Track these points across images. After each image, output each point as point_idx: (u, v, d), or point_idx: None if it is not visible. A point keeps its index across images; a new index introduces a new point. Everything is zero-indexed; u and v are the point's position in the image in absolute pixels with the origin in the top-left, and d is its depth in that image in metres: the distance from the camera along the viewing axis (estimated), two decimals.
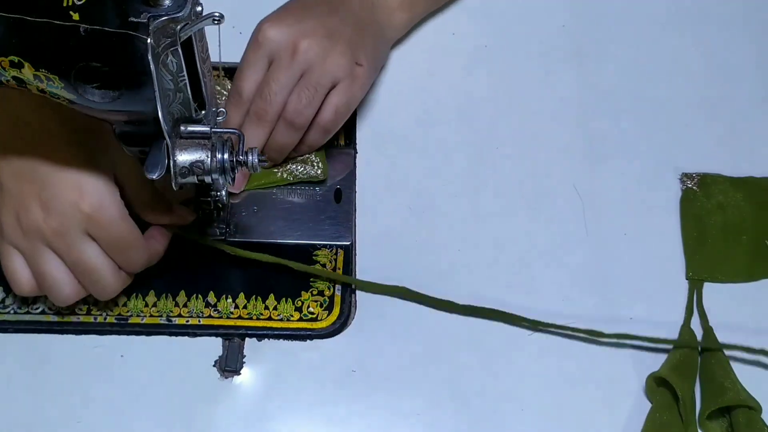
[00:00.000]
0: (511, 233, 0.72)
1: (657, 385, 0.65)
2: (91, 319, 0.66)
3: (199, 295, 0.68)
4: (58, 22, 0.47)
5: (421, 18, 0.79)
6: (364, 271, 0.69)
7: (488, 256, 0.70)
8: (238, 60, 0.72)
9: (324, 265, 0.69)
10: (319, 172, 0.72)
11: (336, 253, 0.70)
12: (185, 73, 0.52)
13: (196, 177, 0.56)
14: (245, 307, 0.67)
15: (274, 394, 0.65)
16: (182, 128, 0.55)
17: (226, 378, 0.65)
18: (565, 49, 0.81)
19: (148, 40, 0.48)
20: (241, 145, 0.57)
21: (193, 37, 0.52)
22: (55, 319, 0.66)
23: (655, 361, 0.66)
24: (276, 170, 0.72)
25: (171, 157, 0.54)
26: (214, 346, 0.66)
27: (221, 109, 0.59)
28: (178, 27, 0.49)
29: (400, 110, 0.77)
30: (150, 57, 0.48)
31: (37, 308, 0.67)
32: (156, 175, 0.53)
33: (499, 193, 0.74)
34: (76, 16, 0.47)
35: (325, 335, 0.67)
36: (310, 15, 0.69)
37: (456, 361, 0.66)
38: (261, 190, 0.72)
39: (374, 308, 0.68)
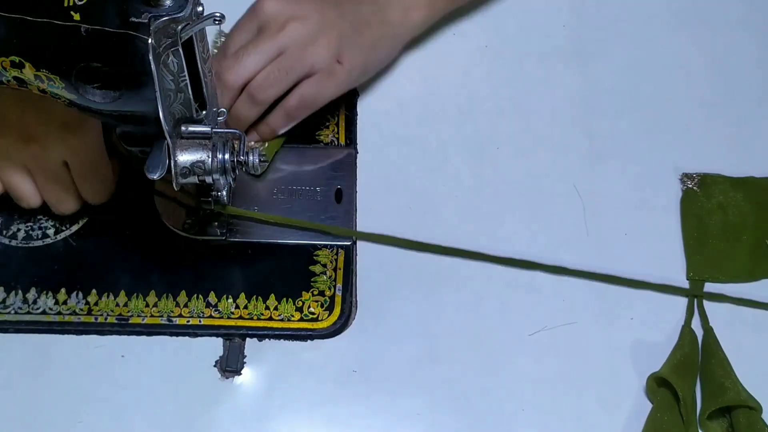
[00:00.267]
0: (511, 233, 0.72)
1: (658, 385, 0.65)
2: (92, 319, 0.66)
3: (200, 296, 0.68)
4: (59, 23, 0.48)
5: (441, 16, 0.78)
6: (364, 271, 0.70)
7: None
8: None
9: (325, 266, 0.69)
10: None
11: (336, 253, 0.70)
12: (186, 73, 0.52)
13: (197, 177, 0.56)
14: (246, 307, 0.67)
15: (274, 395, 0.65)
16: (183, 128, 0.55)
17: (227, 378, 0.65)
18: (566, 49, 0.81)
19: (149, 41, 0.48)
20: (241, 146, 0.58)
21: (194, 38, 0.52)
22: (56, 319, 0.66)
23: (656, 361, 0.66)
24: None
25: (172, 158, 0.54)
26: (214, 347, 0.66)
27: (222, 109, 0.59)
28: (179, 27, 0.49)
29: (400, 110, 0.77)
30: (151, 57, 0.48)
31: (37, 308, 0.67)
32: (157, 175, 0.53)
33: (499, 193, 0.74)
34: (77, 16, 0.48)
35: (326, 335, 0.67)
36: (313, 0, 0.69)
37: (456, 361, 0.66)
38: (262, 191, 0.72)
39: (375, 308, 0.68)
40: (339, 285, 0.68)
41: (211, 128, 0.55)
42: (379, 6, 0.72)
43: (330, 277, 0.69)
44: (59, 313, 0.66)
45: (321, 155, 0.74)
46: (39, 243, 0.69)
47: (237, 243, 0.70)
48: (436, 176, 0.74)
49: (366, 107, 0.77)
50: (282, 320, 0.67)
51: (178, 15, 0.49)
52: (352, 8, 0.70)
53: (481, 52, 0.80)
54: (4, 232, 0.70)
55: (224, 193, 0.67)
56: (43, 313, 0.66)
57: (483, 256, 0.70)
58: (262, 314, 0.67)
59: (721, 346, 0.66)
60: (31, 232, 0.70)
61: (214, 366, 0.66)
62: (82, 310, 0.67)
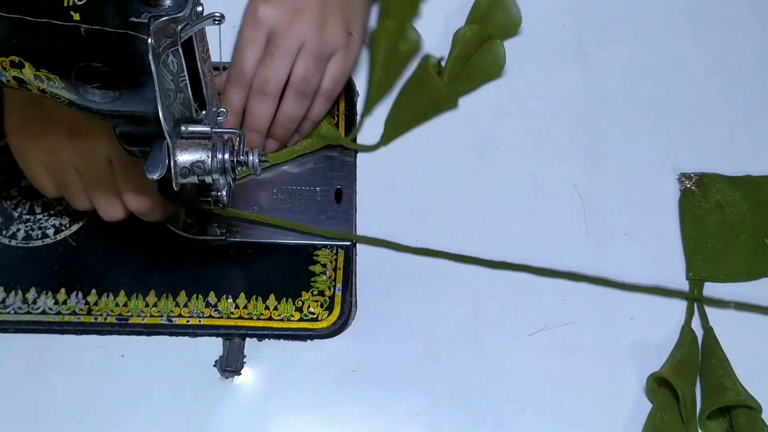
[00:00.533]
0: (511, 233, 0.72)
1: (658, 385, 0.65)
2: (92, 319, 0.66)
3: (200, 295, 0.68)
4: (58, 22, 0.47)
5: None
6: (364, 270, 0.70)
7: (488, 257, 0.70)
8: None
9: (324, 266, 0.69)
10: (333, 128, 0.74)
11: (336, 253, 0.70)
12: (186, 73, 0.52)
13: (196, 177, 0.56)
14: (246, 307, 0.67)
15: (274, 395, 0.65)
16: (183, 128, 0.55)
17: (227, 378, 0.65)
18: (566, 49, 0.81)
19: (149, 40, 0.48)
20: (241, 145, 0.58)
21: (194, 37, 0.52)
22: (56, 319, 0.66)
23: (656, 361, 0.66)
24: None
25: (171, 157, 0.54)
26: (214, 346, 0.66)
27: (222, 109, 0.59)
28: (179, 27, 0.49)
29: None
30: (150, 57, 0.48)
31: (37, 308, 0.67)
32: (156, 175, 0.52)
33: (499, 193, 0.74)
34: (76, 16, 0.47)
35: (326, 335, 0.67)
36: None
37: (456, 360, 0.66)
38: (262, 191, 0.72)
39: (375, 308, 0.68)
40: (339, 285, 0.68)
41: (211, 128, 0.55)
42: None
43: (330, 277, 0.69)
44: (59, 313, 0.66)
45: (321, 155, 0.74)
46: (39, 243, 0.69)
47: (237, 243, 0.70)
48: (436, 176, 0.74)
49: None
50: (282, 320, 0.67)
51: (178, 15, 0.48)
52: None
53: None
54: (4, 232, 0.70)
55: (224, 193, 0.67)
56: (43, 313, 0.66)
57: (482, 261, 0.70)
58: (262, 314, 0.67)
59: (721, 346, 0.66)
60: (30, 232, 0.70)
61: (214, 366, 0.66)
62: (81, 310, 0.67)
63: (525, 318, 0.68)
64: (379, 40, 0.76)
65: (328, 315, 0.67)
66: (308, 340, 0.67)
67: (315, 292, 0.68)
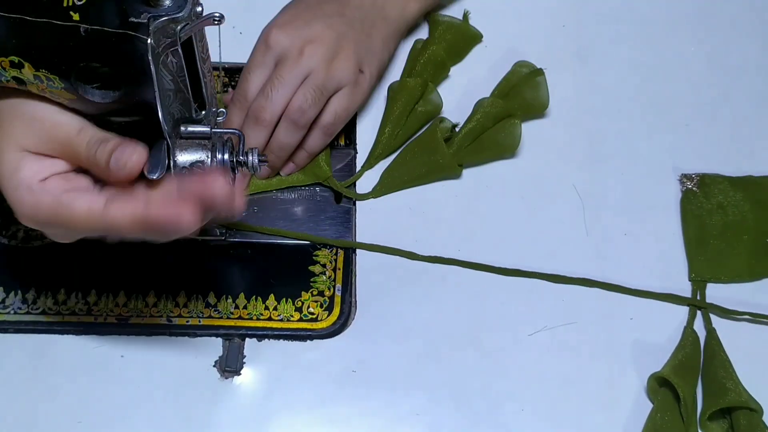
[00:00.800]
0: (511, 233, 0.72)
1: (659, 385, 0.65)
2: (92, 320, 0.66)
3: (200, 296, 0.68)
4: (58, 23, 0.47)
5: (433, 6, 0.80)
6: (364, 271, 0.69)
7: (488, 257, 0.70)
8: (238, 60, 0.72)
9: (324, 266, 0.69)
10: (328, 168, 0.72)
11: (336, 254, 0.70)
12: (185, 73, 0.52)
13: None
14: (245, 307, 0.67)
15: (274, 395, 0.65)
16: (182, 128, 0.55)
17: (227, 378, 0.65)
18: (565, 49, 0.81)
19: (148, 41, 0.48)
20: (241, 146, 0.58)
21: (194, 38, 0.52)
22: (56, 319, 0.66)
23: (656, 361, 0.66)
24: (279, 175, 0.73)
25: (171, 158, 0.54)
26: (214, 347, 0.66)
27: (221, 109, 0.59)
28: (178, 27, 0.49)
29: None
30: (150, 57, 0.48)
31: (37, 308, 0.67)
32: (156, 175, 0.52)
33: (499, 193, 0.74)
34: (76, 17, 0.47)
35: (326, 335, 0.67)
36: (318, 17, 0.70)
37: (456, 361, 0.66)
38: (262, 193, 0.72)
39: (374, 308, 0.68)
40: (338, 285, 0.68)
41: (211, 128, 0.55)
42: (378, 6, 0.73)
43: (329, 277, 0.69)
44: (59, 313, 0.66)
45: None
46: (39, 243, 0.69)
47: (236, 243, 0.70)
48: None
49: (366, 108, 0.76)
50: (281, 320, 0.67)
51: (178, 15, 0.49)
52: (357, 14, 0.71)
53: (481, 51, 0.80)
54: (4, 232, 0.70)
55: None
56: (43, 313, 0.66)
57: (482, 267, 0.69)
58: (262, 314, 0.67)
59: (724, 347, 0.66)
60: (30, 232, 0.70)
61: (214, 366, 0.66)
62: (81, 310, 0.67)
63: (525, 318, 0.68)
64: (397, 97, 0.74)
65: (328, 315, 0.67)
66: (308, 341, 0.67)
67: (315, 293, 0.68)
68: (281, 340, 0.67)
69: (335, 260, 0.70)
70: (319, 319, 0.67)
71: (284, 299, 0.68)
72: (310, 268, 0.69)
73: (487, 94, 0.76)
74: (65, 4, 0.47)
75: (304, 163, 0.72)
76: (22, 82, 0.51)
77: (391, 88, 0.75)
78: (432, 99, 0.75)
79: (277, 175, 0.72)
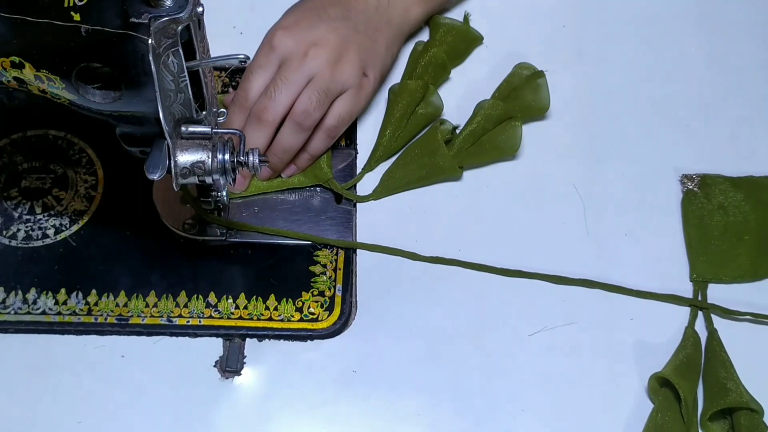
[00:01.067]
0: (511, 233, 0.72)
1: (660, 385, 0.65)
2: (92, 320, 0.66)
3: (200, 296, 0.68)
4: (59, 23, 0.47)
5: (436, 10, 0.80)
6: (364, 271, 0.69)
7: (489, 257, 0.70)
8: None
9: (325, 266, 0.69)
10: (329, 169, 0.72)
11: (336, 254, 0.70)
12: (186, 73, 0.52)
13: (196, 177, 0.56)
14: (246, 307, 0.67)
15: (274, 395, 0.65)
16: (183, 129, 0.55)
17: (227, 378, 0.65)
18: (566, 49, 0.81)
19: (149, 41, 0.48)
20: (242, 146, 0.58)
21: (194, 38, 0.52)
22: (56, 319, 0.66)
23: (657, 361, 0.66)
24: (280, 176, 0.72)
25: (172, 158, 0.54)
26: (214, 347, 0.66)
27: (222, 110, 0.59)
28: (179, 27, 0.49)
29: None
30: (151, 57, 0.48)
31: (37, 309, 0.67)
32: (157, 175, 0.53)
33: (499, 193, 0.74)
34: (77, 17, 0.47)
35: (326, 336, 0.67)
36: (323, 20, 0.70)
37: (457, 361, 0.66)
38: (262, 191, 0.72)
39: (375, 308, 0.68)
40: (339, 285, 0.68)
41: (211, 128, 0.55)
42: (383, 9, 0.73)
43: (330, 277, 0.69)
44: (59, 313, 0.66)
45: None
46: (39, 243, 0.69)
47: (237, 243, 0.70)
48: None
49: (367, 109, 0.76)
50: (282, 320, 0.67)
51: (179, 15, 0.49)
52: (361, 18, 0.71)
53: (481, 51, 0.80)
54: (4, 232, 0.70)
55: (224, 193, 0.67)
56: (43, 313, 0.66)
57: (483, 267, 0.69)
58: (262, 314, 0.67)
59: (725, 347, 0.66)
60: (31, 233, 0.70)
61: (214, 366, 0.66)
62: (82, 310, 0.67)
63: (525, 318, 0.68)
64: (397, 99, 0.74)
65: (329, 315, 0.67)
66: (308, 341, 0.67)
67: (315, 293, 0.68)
68: (282, 341, 0.67)
69: (336, 260, 0.70)
70: (319, 319, 0.67)
71: (285, 299, 0.68)
72: (310, 268, 0.69)
73: (488, 96, 0.76)
74: (66, 5, 0.47)
75: (306, 165, 0.72)
76: (23, 83, 0.51)
77: (392, 91, 0.75)
78: (433, 101, 0.75)
79: (278, 176, 0.72)
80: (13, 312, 0.66)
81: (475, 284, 0.69)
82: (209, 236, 0.70)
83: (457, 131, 0.74)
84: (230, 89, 0.76)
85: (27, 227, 0.70)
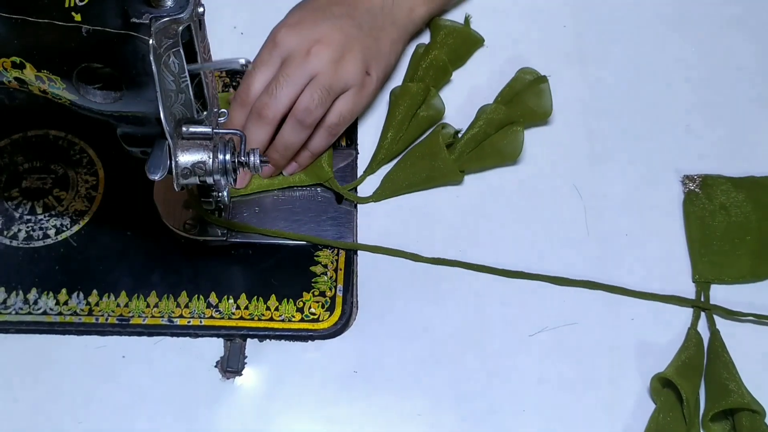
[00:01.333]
0: (512, 233, 0.72)
1: (662, 386, 0.65)
2: (93, 320, 0.66)
3: (201, 296, 0.68)
4: (60, 23, 0.47)
5: (440, 10, 0.80)
6: (365, 271, 0.69)
7: (489, 258, 0.70)
8: None
9: (325, 266, 0.69)
10: (330, 169, 0.72)
11: (337, 254, 0.70)
12: (187, 73, 0.52)
13: (197, 178, 0.56)
14: (247, 307, 0.67)
15: (275, 395, 0.65)
16: (184, 129, 0.55)
17: (228, 379, 0.65)
18: (566, 50, 0.81)
19: (150, 41, 0.48)
20: (242, 146, 0.58)
21: (195, 38, 0.52)
22: (57, 320, 0.66)
23: (657, 362, 0.66)
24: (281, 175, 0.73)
25: (173, 158, 0.54)
26: (215, 347, 0.66)
27: (223, 110, 0.59)
28: (180, 28, 0.49)
29: None
30: (152, 58, 0.48)
31: (38, 309, 0.67)
32: (158, 176, 0.53)
33: (499, 193, 0.74)
34: (78, 17, 0.47)
35: (327, 336, 0.67)
36: (327, 18, 0.70)
37: (458, 361, 0.66)
38: (263, 192, 0.72)
39: (376, 309, 0.68)
40: (340, 285, 0.68)
41: (212, 129, 0.55)
42: (387, 9, 0.73)
43: (331, 277, 0.69)
44: (60, 313, 0.66)
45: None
46: (40, 243, 0.69)
47: (238, 243, 0.70)
48: None
49: (368, 111, 0.76)
50: (283, 321, 0.67)
51: (179, 16, 0.49)
52: (366, 17, 0.71)
53: (482, 52, 0.80)
54: (5, 232, 0.70)
55: (225, 194, 0.67)
56: (44, 313, 0.66)
57: (486, 269, 0.69)
58: (263, 315, 0.67)
59: (727, 348, 0.66)
60: (32, 233, 0.70)
61: (215, 367, 0.66)
62: (83, 310, 0.67)
63: (526, 319, 0.68)
64: (399, 102, 0.73)
65: (329, 316, 0.67)
66: (309, 341, 0.67)
67: (316, 293, 0.68)
68: (282, 341, 0.67)
69: (336, 261, 0.69)
70: (320, 319, 0.67)
71: (285, 300, 0.68)
72: (311, 268, 0.69)
73: (490, 98, 0.76)
74: (67, 5, 0.47)
75: (307, 163, 0.72)
76: (24, 83, 0.51)
77: (393, 93, 0.75)
78: (434, 104, 0.75)
79: (279, 174, 0.72)
80: (14, 312, 0.66)
81: (476, 285, 0.69)
82: (210, 236, 0.70)
83: (459, 135, 0.74)
84: (231, 89, 0.76)
85: (28, 227, 0.70)
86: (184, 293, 0.68)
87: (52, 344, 0.66)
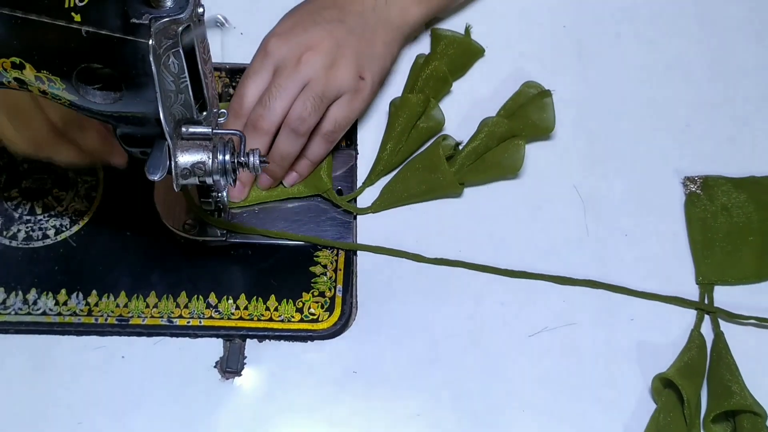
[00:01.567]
0: (512, 233, 0.72)
1: (663, 386, 0.65)
2: (92, 320, 0.66)
3: (200, 296, 0.68)
4: (60, 23, 0.47)
5: (436, 11, 0.78)
6: (365, 271, 0.69)
7: (488, 257, 0.70)
8: (240, 61, 0.72)
9: (325, 266, 0.69)
10: (329, 179, 0.72)
11: (337, 254, 0.70)
12: (187, 74, 0.52)
13: (197, 178, 0.56)
14: (246, 308, 0.67)
15: (275, 396, 0.65)
16: (183, 129, 0.55)
17: (227, 379, 0.65)
18: (566, 50, 0.81)
19: (150, 42, 0.48)
20: (242, 146, 0.58)
21: (195, 39, 0.52)
22: (56, 320, 0.66)
23: (657, 361, 0.66)
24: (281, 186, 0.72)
25: (172, 159, 0.54)
26: (215, 347, 0.66)
27: (222, 110, 0.59)
28: (180, 28, 0.49)
29: None
30: (151, 58, 0.48)
31: (38, 309, 0.66)
32: (157, 176, 0.53)
33: (499, 193, 0.73)
34: (77, 18, 0.47)
35: (326, 336, 0.67)
36: (318, 23, 0.69)
37: (456, 361, 0.66)
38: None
39: (375, 309, 0.68)
40: (339, 286, 0.68)
41: (212, 129, 0.55)
42: (380, 10, 0.73)
43: (330, 278, 0.69)
44: (59, 314, 0.66)
45: None
46: (39, 244, 0.69)
47: (237, 244, 0.70)
48: None
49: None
50: (282, 321, 0.67)
51: (179, 16, 0.48)
52: (358, 20, 0.71)
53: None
54: (5, 232, 0.70)
55: (224, 194, 0.67)
56: (44, 314, 0.66)
57: (489, 269, 0.69)
58: (263, 315, 0.67)
59: (731, 350, 0.66)
60: (31, 233, 0.70)
61: (215, 367, 0.66)
62: (82, 311, 0.67)
63: (525, 319, 0.68)
64: (398, 113, 0.73)
65: (329, 316, 0.67)
66: (309, 341, 0.67)
67: (315, 293, 0.68)
68: (282, 341, 0.67)
69: (336, 261, 0.69)
70: (319, 319, 0.67)
71: (285, 300, 0.68)
72: (311, 268, 0.69)
73: (491, 109, 0.76)
74: (67, 5, 0.47)
75: (307, 172, 0.71)
76: (24, 83, 0.51)
77: (393, 104, 0.75)
78: (434, 115, 0.74)
79: (278, 185, 0.72)
80: (13, 312, 0.66)
81: (476, 285, 0.69)
82: (209, 237, 0.70)
83: (460, 147, 0.73)
84: (231, 89, 0.76)
85: (27, 228, 0.70)
86: (183, 293, 0.68)
87: (51, 344, 0.66)
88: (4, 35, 0.49)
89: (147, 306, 0.67)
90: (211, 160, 0.55)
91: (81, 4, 0.47)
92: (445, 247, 0.71)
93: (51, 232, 0.70)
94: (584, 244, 0.71)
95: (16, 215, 0.70)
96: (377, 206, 0.72)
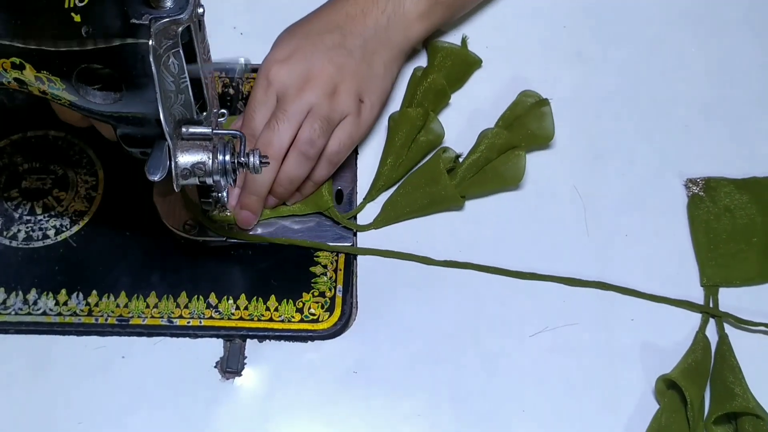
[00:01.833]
0: (512, 233, 0.72)
1: (666, 387, 0.65)
2: (93, 321, 0.66)
3: (201, 296, 0.68)
4: (59, 24, 0.47)
5: (437, 27, 0.78)
6: (365, 271, 0.69)
7: (488, 257, 0.70)
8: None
9: (325, 267, 0.69)
10: (330, 197, 0.71)
11: (337, 255, 0.70)
12: (187, 74, 0.52)
13: (197, 178, 0.56)
14: (246, 308, 0.67)
15: (275, 396, 0.65)
16: (183, 129, 0.55)
17: (227, 379, 0.65)
18: (566, 50, 0.81)
19: (150, 42, 0.48)
20: (242, 147, 0.58)
21: (195, 39, 0.52)
22: (57, 320, 0.66)
23: (658, 362, 0.66)
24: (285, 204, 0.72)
25: (172, 159, 0.54)
26: (215, 348, 0.66)
27: (222, 110, 0.59)
28: (180, 29, 0.49)
29: None
30: (151, 59, 0.48)
31: (38, 309, 0.67)
32: (158, 176, 0.53)
33: (500, 196, 0.73)
34: (77, 18, 0.47)
35: (326, 336, 0.67)
36: (319, 50, 0.69)
37: (457, 361, 0.66)
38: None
39: (375, 309, 0.68)
40: (339, 286, 0.68)
41: (212, 129, 0.55)
42: (381, 31, 0.72)
43: (330, 278, 0.69)
44: (60, 314, 0.66)
45: None
46: (39, 244, 0.69)
47: (237, 244, 0.70)
48: None
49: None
50: (282, 321, 0.67)
51: (179, 16, 0.49)
52: (358, 42, 0.70)
53: (482, 53, 0.80)
54: (5, 233, 0.70)
55: (225, 194, 0.67)
56: (44, 314, 0.66)
57: (494, 270, 0.69)
58: (263, 315, 0.67)
59: (735, 353, 0.66)
60: (31, 233, 0.70)
61: (215, 367, 0.66)
62: (82, 311, 0.67)
63: (526, 319, 0.68)
64: (398, 127, 0.73)
65: (329, 316, 0.67)
66: (309, 341, 0.67)
67: (316, 293, 0.68)
68: (282, 341, 0.67)
69: (336, 261, 0.70)
70: (320, 320, 0.67)
71: (285, 300, 0.68)
72: (311, 269, 0.69)
73: (490, 120, 0.75)
74: (67, 6, 0.47)
75: (310, 193, 0.71)
76: (24, 84, 0.51)
77: (392, 119, 0.74)
78: (433, 128, 0.74)
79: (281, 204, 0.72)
80: (13, 313, 0.66)
81: (476, 285, 0.69)
82: (210, 237, 0.70)
83: (460, 160, 0.73)
84: (231, 89, 0.76)
85: (27, 228, 0.70)
86: (183, 294, 0.68)
87: (51, 345, 0.66)
88: (4, 35, 0.49)
89: (147, 306, 0.67)
90: (211, 161, 0.55)
91: (81, 4, 0.47)
92: (444, 249, 0.70)
93: (51, 233, 0.70)
94: (584, 246, 0.71)
95: (16, 215, 0.70)
96: (379, 222, 0.72)
